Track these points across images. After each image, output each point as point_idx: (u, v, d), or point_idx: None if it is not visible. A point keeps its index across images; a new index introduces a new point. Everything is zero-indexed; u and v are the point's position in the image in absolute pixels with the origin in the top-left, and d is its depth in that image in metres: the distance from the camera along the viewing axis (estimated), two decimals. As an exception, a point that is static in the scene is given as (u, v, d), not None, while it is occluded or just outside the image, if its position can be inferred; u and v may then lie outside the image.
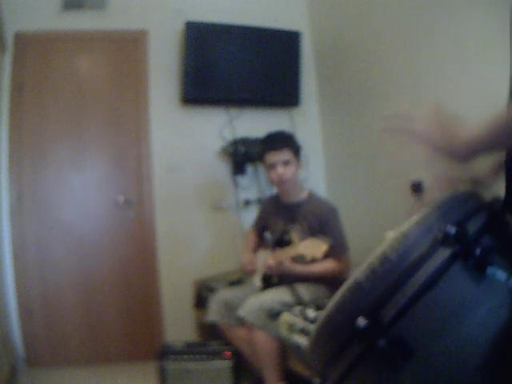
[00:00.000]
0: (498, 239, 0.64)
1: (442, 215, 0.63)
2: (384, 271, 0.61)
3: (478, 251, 0.59)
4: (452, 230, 0.60)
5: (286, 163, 2.27)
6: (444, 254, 0.59)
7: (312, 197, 2.38)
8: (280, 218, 2.40)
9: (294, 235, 2.20)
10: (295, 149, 2.32)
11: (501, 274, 0.59)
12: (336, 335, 0.64)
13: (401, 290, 0.59)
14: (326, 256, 2.06)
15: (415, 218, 0.64)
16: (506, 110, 0.65)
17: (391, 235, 0.66)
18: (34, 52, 2.92)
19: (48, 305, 2.87)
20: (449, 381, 0.59)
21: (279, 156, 2.26)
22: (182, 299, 3.04)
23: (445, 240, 0.59)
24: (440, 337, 0.59)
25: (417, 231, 0.62)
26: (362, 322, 0.59)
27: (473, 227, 0.62)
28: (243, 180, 3.22)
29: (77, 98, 2.97)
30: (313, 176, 3.16)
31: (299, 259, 2.11)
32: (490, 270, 0.58)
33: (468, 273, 0.58)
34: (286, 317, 1.93)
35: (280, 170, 2.26)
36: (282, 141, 2.31)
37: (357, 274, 0.63)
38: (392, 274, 0.60)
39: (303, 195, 2.37)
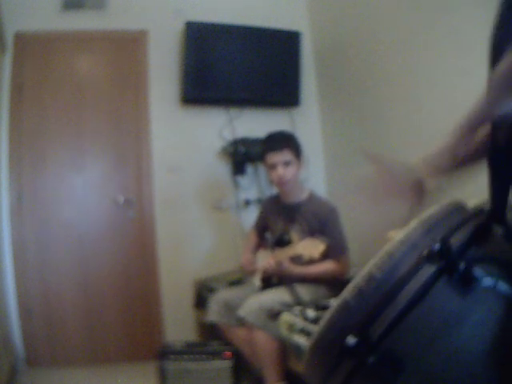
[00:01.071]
0: (485, 249, 0.65)
1: (426, 231, 0.65)
2: (370, 290, 0.62)
3: (461, 266, 0.60)
4: (436, 246, 0.61)
5: (286, 164, 2.27)
6: (429, 270, 0.61)
7: (312, 197, 2.38)
8: (280, 218, 2.40)
9: (294, 235, 2.20)
10: (296, 149, 2.32)
11: (488, 281, 0.60)
12: (328, 353, 0.66)
13: (388, 307, 0.61)
14: (326, 256, 2.06)
15: (400, 235, 0.65)
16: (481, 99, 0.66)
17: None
18: (33, 52, 2.92)
19: (48, 305, 2.87)
20: None
21: (280, 157, 2.26)
22: (182, 299, 3.04)
23: (429, 256, 0.61)
24: (429, 350, 0.60)
25: (401, 249, 0.63)
26: (351, 340, 0.61)
27: (457, 241, 0.63)
28: (243, 180, 3.22)
29: (77, 98, 2.97)
30: (313, 176, 3.16)
31: (297, 259, 2.11)
32: (476, 280, 0.59)
33: (453, 287, 0.60)
34: (285, 317, 1.93)
35: (280, 170, 2.26)
36: (283, 141, 2.30)
37: (345, 293, 0.64)
38: (378, 293, 0.61)
39: (304, 195, 2.37)
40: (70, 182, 2.96)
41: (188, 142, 3.17)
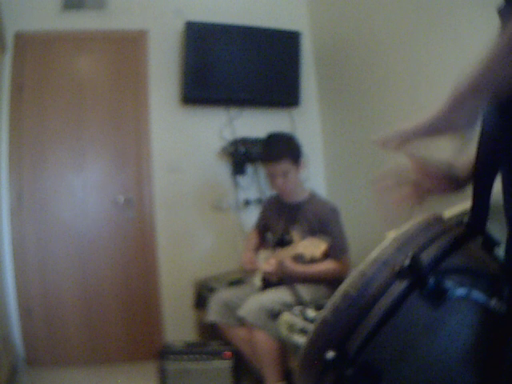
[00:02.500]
0: (460, 261, 0.67)
1: (398, 248, 0.68)
2: (346, 307, 0.66)
3: (431, 280, 0.63)
4: (405, 262, 0.64)
5: (284, 174, 2.26)
6: (400, 286, 0.64)
7: (313, 197, 2.38)
8: (281, 218, 2.40)
9: (295, 235, 2.20)
10: (294, 155, 2.29)
11: (461, 291, 0.63)
12: (313, 368, 0.70)
13: (362, 322, 0.64)
14: (326, 256, 2.07)
15: (373, 253, 0.68)
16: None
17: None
18: (34, 52, 2.92)
19: (48, 305, 2.87)
20: None
21: (277, 167, 2.25)
22: (182, 299, 3.04)
23: (400, 273, 0.64)
24: (404, 361, 0.64)
25: (374, 267, 0.67)
26: (330, 354, 0.65)
27: (429, 255, 0.66)
28: (243, 180, 3.22)
29: (77, 98, 2.97)
30: (313, 176, 3.16)
31: (298, 259, 2.11)
32: (447, 292, 0.62)
33: (425, 300, 0.63)
34: (286, 317, 1.93)
35: (279, 181, 2.26)
36: (280, 151, 2.26)
37: (324, 311, 0.69)
38: (353, 309, 0.65)
39: (304, 195, 2.37)
40: (69, 182, 2.96)
41: (188, 142, 3.17)
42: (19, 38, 2.89)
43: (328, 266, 2.20)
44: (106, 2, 3.04)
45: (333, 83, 3.32)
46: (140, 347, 2.97)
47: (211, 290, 2.67)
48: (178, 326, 3.04)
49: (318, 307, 1.92)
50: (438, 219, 0.75)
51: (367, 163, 2.97)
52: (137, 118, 3.07)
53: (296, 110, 3.37)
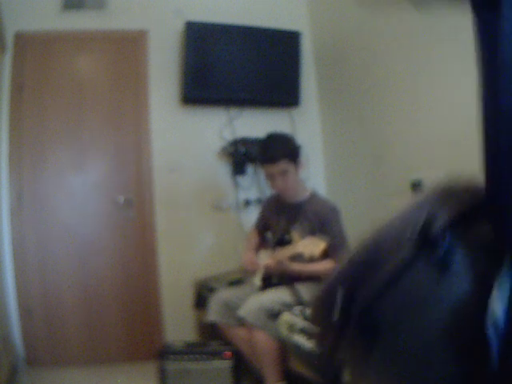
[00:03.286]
0: (469, 232, 0.68)
1: (417, 209, 0.69)
2: (361, 259, 0.69)
3: (440, 245, 0.64)
4: (419, 225, 0.65)
5: (283, 174, 2.25)
6: (410, 246, 0.66)
7: (314, 196, 2.38)
8: (281, 217, 2.40)
9: (295, 235, 2.20)
10: (293, 155, 2.28)
11: (467, 260, 0.64)
12: (324, 309, 0.74)
13: (372, 276, 0.67)
14: (326, 255, 2.07)
15: (393, 214, 0.71)
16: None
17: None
18: (34, 52, 2.92)
19: (48, 305, 2.87)
20: (413, 355, 0.66)
21: (275, 168, 2.25)
22: (182, 299, 3.04)
23: (413, 233, 0.66)
24: (405, 319, 0.66)
25: (391, 225, 0.70)
26: (340, 293, 0.68)
27: (443, 221, 0.67)
28: (243, 180, 3.22)
29: (77, 98, 2.97)
30: (313, 176, 3.16)
31: (298, 258, 2.11)
32: (454, 260, 0.64)
33: (432, 266, 0.64)
34: (286, 317, 1.93)
35: (278, 182, 2.26)
36: (277, 152, 2.26)
37: (343, 261, 0.73)
38: (366, 262, 0.68)
39: (305, 195, 2.37)
40: (70, 182, 2.96)
41: (188, 142, 3.17)
42: (19, 37, 2.89)
43: (327, 265, 2.20)
44: (106, 2, 3.04)
45: (333, 83, 3.32)
46: (140, 347, 2.97)
47: (211, 290, 2.67)
48: (178, 325, 3.03)
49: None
50: (459, 189, 0.76)
51: (367, 163, 2.98)
52: (137, 118, 3.07)
53: (296, 109, 3.37)
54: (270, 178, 2.30)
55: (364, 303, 0.66)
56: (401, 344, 0.67)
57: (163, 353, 2.34)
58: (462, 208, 0.69)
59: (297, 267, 2.17)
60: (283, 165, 2.24)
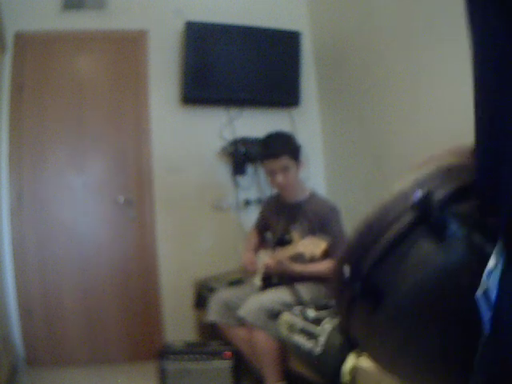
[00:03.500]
0: (467, 204, 0.72)
1: (418, 184, 0.74)
2: (365, 231, 0.75)
3: (438, 216, 0.69)
4: (418, 196, 0.70)
5: (284, 170, 2.26)
6: (410, 216, 0.71)
7: (313, 196, 2.38)
8: (281, 217, 2.39)
9: (295, 235, 2.20)
10: (294, 152, 2.29)
11: (463, 231, 0.68)
12: (336, 282, 0.80)
13: (376, 245, 0.72)
14: (326, 255, 2.06)
15: (395, 188, 0.77)
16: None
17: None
18: (34, 52, 2.92)
19: (48, 305, 2.87)
20: (410, 315, 0.71)
21: (277, 163, 2.25)
22: (182, 299, 3.04)
23: (413, 205, 0.70)
24: (402, 281, 0.71)
25: (393, 198, 0.75)
26: (346, 269, 0.74)
27: (441, 194, 0.72)
28: (243, 180, 3.22)
29: (77, 98, 2.97)
30: (313, 176, 3.16)
31: (298, 258, 2.11)
32: (450, 229, 0.68)
33: (429, 234, 0.69)
34: (286, 317, 1.93)
35: (279, 177, 2.26)
36: (279, 147, 2.27)
37: (351, 234, 0.78)
38: (370, 233, 0.74)
39: (305, 195, 2.37)
40: (70, 181, 2.96)
41: (188, 142, 3.17)
42: (19, 37, 2.89)
43: (327, 265, 2.19)
44: (106, 2, 3.04)
45: (333, 83, 3.32)
46: (140, 347, 2.97)
47: (211, 289, 2.67)
48: (178, 325, 3.03)
49: (318, 307, 1.92)
50: (457, 167, 0.80)
51: (367, 163, 2.97)
52: (137, 118, 3.07)
53: (296, 109, 3.37)
54: (271, 174, 2.30)
55: (367, 270, 0.72)
56: (399, 305, 0.71)
57: (163, 353, 2.34)
58: (459, 184, 0.73)
59: (297, 267, 2.17)
60: (285, 161, 2.25)
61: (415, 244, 0.70)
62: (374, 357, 0.86)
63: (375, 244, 0.72)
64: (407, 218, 0.71)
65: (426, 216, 0.69)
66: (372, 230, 0.74)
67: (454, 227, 0.68)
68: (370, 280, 0.72)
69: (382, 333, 0.75)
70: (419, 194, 0.70)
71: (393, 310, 0.72)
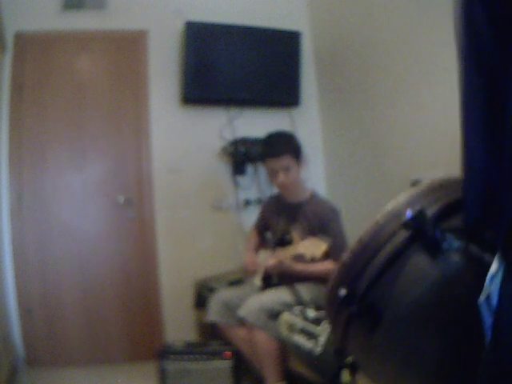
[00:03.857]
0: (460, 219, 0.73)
1: (409, 202, 0.75)
2: (359, 250, 0.75)
3: (432, 232, 0.69)
4: (411, 214, 0.70)
5: (286, 169, 2.26)
6: (404, 234, 0.71)
7: (314, 197, 2.38)
8: (281, 217, 2.40)
9: (295, 235, 2.20)
10: (295, 152, 2.29)
11: (458, 244, 0.69)
12: (332, 304, 0.80)
13: (370, 264, 0.72)
14: (326, 256, 2.07)
15: (387, 206, 0.77)
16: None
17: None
18: (34, 52, 2.92)
19: (48, 305, 2.87)
20: (409, 330, 0.71)
21: (279, 162, 2.25)
22: (182, 299, 3.04)
23: (406, 224, 0.71)
24: (402, 301, 0.71)
25: (386, 217, 0.75)
26: (342, 291, 0.74)
27: (433, 211, 0.73)
28: (243, 180, 3.22)
29: (77, 98, 2.97)
30: (313, 176, 3.16)
31: (299, 259, 2.11)
32: (445, 244, 0.68)
33: (425, 250, 0.69)
34: (286, 317, 1.93)
35: (281, 177, 2.26)
36: (282, 146, 2.28)
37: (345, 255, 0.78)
38: (365, 252, 0.74)
39: (305, 195, 2.37)
40: (70, 181, 2.96)
41: (188, 142, 3.17)
42: (19, 37, 2.88)
43: (328, 265, 2.20)
44: (106, 2, 3.04)
45: (333, 83, 3.32)
46: (140, 347, 2.97)
47: (211, 290, 2.67)
48: (178, 325, 3.04)
49: (318, 307, 1.92)
50: (448, 183, 0.81)
51: (367, 163, 2.97)
52: (137, 118, 3.07)
53: (296, 109, 3.37)
54: (272, 173, 2.30)
55: (363, 290, 0.72)
56: (399, 321, 0.71)
57: (163, 353, 2.34)
58: (452, 199, 0.74)
59: (297, 267, 2.17)
60: (286, 160, 2.25)
61: (410, 261, 0.70)
62: (374, 378, 0.85)
63: (370, 263, 0.72)
64: (401, 236, 0.71)
65: (420, 233, 0.69)
66: (366, 250, 0.73)
67: (449, 241, 0.68)
68: (367, 299, 0.72)
69: (381, 352, 0.74)
70: (411, 212, 0.70)
71: (392, 328, 0.71)
